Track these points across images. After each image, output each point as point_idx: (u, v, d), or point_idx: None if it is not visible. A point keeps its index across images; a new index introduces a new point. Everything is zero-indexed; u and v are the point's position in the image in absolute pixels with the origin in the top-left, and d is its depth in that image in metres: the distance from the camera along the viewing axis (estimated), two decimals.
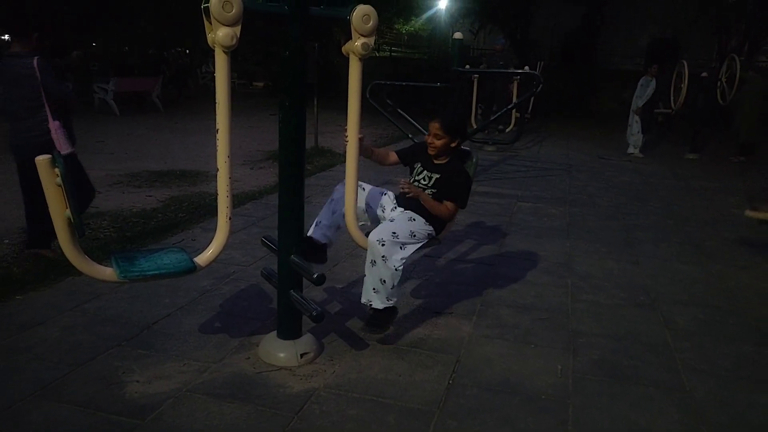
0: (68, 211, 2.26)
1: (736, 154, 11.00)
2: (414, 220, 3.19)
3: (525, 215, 6.33)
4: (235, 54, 2.56)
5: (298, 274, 2.98)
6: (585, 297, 4.09)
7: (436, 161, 3.37)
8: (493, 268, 4.62)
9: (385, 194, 3.40)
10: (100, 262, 2.61)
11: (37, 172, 2.20)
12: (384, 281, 3.05)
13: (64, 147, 4.07)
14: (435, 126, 3.27)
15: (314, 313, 2.78)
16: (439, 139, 3.27)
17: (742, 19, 17.06)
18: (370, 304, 3.15)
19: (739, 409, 2.80)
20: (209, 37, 2.51)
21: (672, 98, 11.86)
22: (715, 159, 11.13)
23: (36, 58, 3.98)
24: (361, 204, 3.26)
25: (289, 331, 3.07)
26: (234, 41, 2.43)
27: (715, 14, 16.42)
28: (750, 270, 4.84)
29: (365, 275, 3.13)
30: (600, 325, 3.65)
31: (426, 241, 3.30)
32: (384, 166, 3.64)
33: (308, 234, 3.26)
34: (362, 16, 2.69)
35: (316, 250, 3.24)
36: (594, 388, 2.91)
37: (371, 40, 2.77)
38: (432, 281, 4.29)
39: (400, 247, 3.08)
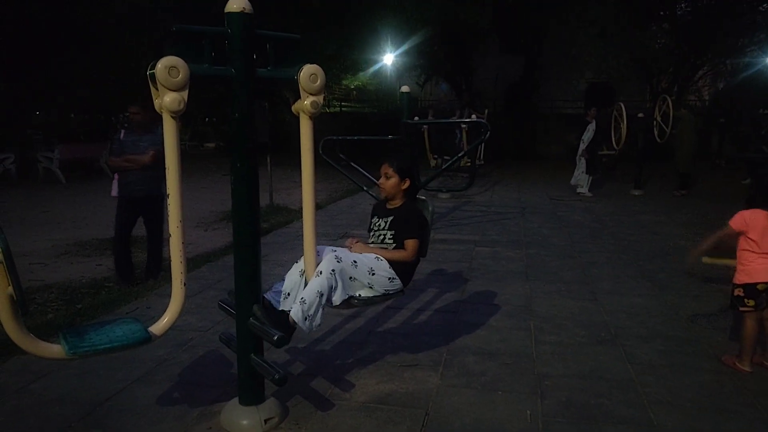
0: (11, 288, 2.15)
1: (678, 188, 11.53)
2: (380, 260, 3.18)
3: (484, 260, 6.39)
4: (186, 115, 2.55)
5: (258, 337, 2.90)
6: (548, 338, 4.11)
7: (389, 206, 3.41)
8: (456, 315, 4.62)
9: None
10: (48, 339, 2.48)
11: None
12: (320, 293, 2.92)
13: None
14: (385, 166, 3.36)
15: (277, 377, 2.69)
16: (389, 179, 3.34)
17: (670, 64, 18.20)
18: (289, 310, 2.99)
19: None
20: (156, 102, 2.49)
21: (613, 139, 12.42)
22: (659, 194, 11.60)
23: None
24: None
25: (252, 397, 2.95)
26: (182, 106, 2.43)
27: (645, 61, 17.48)
28: (701, 299, 4.98)
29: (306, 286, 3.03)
30: (565, 365, 3.66)
31: (389, 297, 3.27)
32: None
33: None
34: (309, 75, 2.73)
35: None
36: (564, 430, 2.89)
37: (320, 98, 2.81)
38: (396, 333, 4.24)
39: (349, 278, 3.03)
